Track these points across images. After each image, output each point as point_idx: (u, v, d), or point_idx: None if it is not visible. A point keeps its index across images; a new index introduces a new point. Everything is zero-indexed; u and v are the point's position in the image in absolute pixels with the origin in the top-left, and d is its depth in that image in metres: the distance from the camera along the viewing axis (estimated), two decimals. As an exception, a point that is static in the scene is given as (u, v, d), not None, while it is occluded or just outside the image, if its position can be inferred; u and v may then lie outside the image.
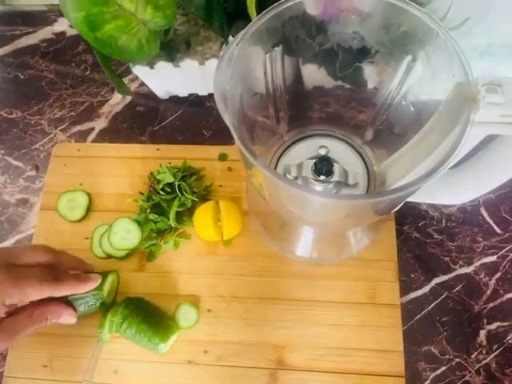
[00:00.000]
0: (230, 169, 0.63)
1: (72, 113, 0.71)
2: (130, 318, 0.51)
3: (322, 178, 0.47)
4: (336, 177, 0.48)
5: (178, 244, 0.59)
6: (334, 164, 0.48)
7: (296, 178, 0.49)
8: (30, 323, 0.45)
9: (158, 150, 0.65)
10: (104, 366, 0.54)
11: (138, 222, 0.58)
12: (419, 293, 0.57)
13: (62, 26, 0.78)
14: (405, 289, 0.57)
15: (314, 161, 0.48)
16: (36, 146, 0.69)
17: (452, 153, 0.33)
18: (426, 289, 0.58)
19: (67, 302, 0.50)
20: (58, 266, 0.49)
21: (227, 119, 0.34)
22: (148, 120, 0.70)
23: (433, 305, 0.57)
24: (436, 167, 0.33)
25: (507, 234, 0.60)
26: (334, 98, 0.54)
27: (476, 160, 0.43)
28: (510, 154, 0.40)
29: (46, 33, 0.78)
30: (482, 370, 0.54)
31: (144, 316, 0.52)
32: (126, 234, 0.58)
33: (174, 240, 0.58)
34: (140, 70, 0.61)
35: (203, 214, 0.56)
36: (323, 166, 0.47)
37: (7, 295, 0.42)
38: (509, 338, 0.55)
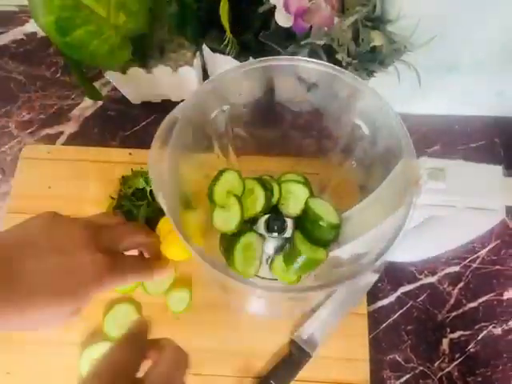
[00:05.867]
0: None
1: (41, 116, 0.69)
2: None
3: (275, 235, 0.48)
4: (288, 233, 0.48)
5: None
6: (287, 220, 0.48)
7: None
8: (136, 263, 0.42)
9: (130, 154, 0.64)
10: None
11: None
12: (385, 302, 0.58)
13: (33, 27, 0.76)
14: (372, 298, 0.58)
15: (266, 217, 0.48)
16: (2, 149, 0.67)
17: (394, 239, 0.34)
18: (392, 298, 0.59)
19: None
20: None
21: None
22: (119, 125, 0.69)
23: (398, 313, 0.58)
24: (376, 257, 0.34)
25: (470, 246, 0.61)
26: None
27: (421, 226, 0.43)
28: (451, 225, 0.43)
29: (16, 33, 0.76)
30: (444, 378, 0.55)
31: None
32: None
33: None
34: (112, 75, 0.60)
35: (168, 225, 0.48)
36: (275, 224, 0.48)
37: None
38: (470, 346, 0.57)
